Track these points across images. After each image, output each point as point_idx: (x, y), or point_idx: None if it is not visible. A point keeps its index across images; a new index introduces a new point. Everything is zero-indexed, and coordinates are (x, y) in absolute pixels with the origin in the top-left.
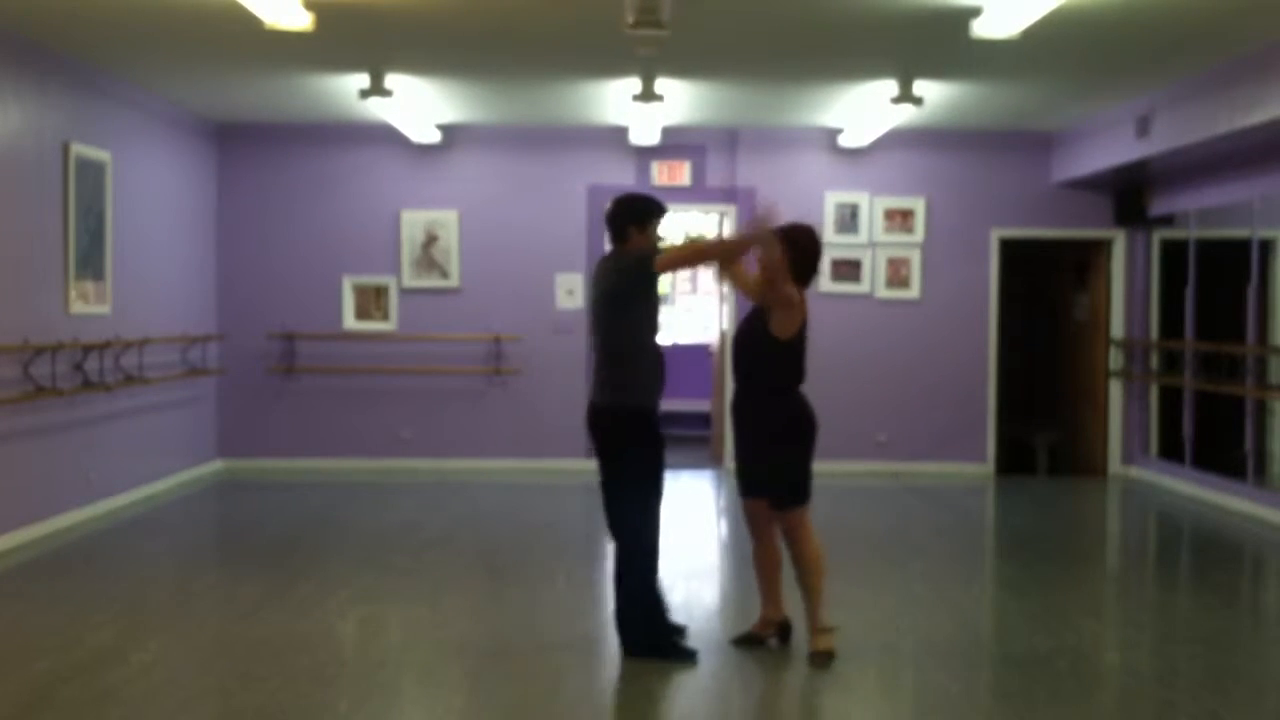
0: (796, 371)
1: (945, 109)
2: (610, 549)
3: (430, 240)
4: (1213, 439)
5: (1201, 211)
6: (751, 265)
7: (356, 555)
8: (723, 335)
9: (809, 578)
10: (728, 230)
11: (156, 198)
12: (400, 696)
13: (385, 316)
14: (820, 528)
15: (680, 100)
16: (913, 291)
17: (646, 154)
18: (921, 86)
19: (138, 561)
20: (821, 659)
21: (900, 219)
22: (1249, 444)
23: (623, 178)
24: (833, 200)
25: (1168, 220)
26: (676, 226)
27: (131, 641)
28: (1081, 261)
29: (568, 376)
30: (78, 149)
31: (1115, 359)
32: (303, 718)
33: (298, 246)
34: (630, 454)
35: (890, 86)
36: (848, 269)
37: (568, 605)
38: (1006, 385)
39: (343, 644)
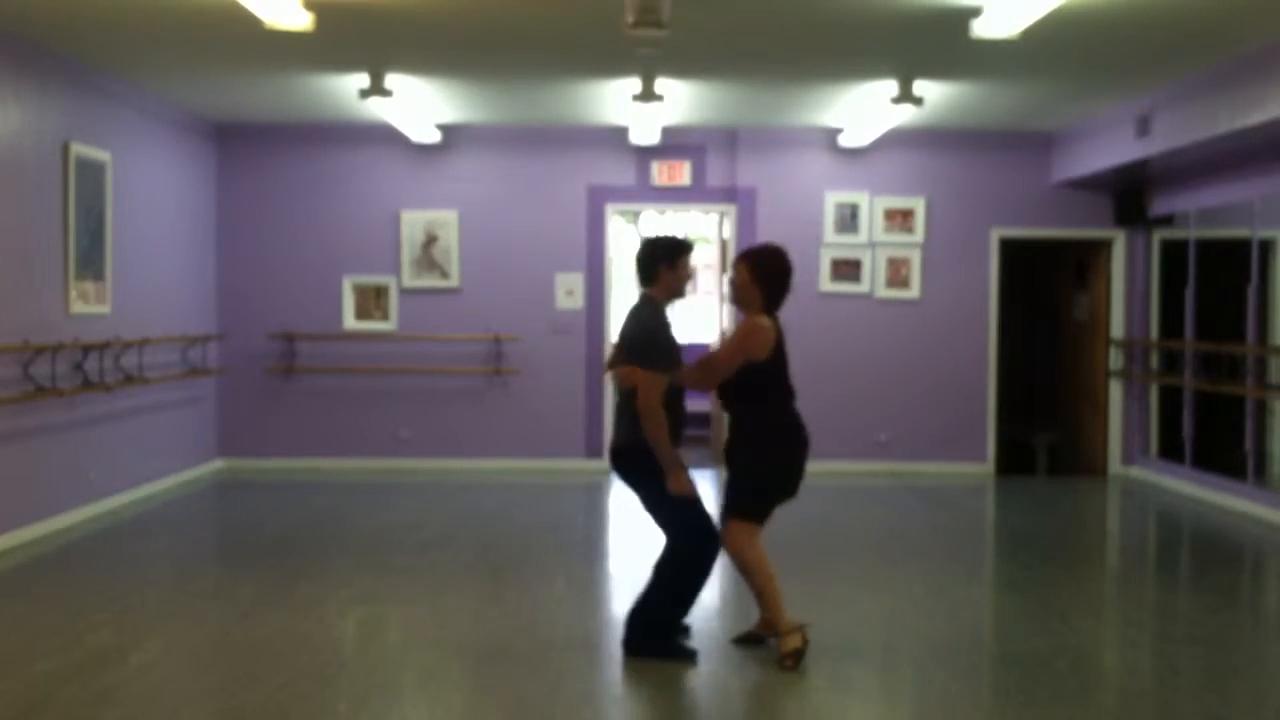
0: (777, 390)
1: (945, 109)
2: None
3: (430, 240)
4: (1213, 439)
5: (1201, 211)
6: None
7: (356, 555)
8: (722, 335)
9: (755, 579)
10: (727, 229)
11: (156, 198)
12: (400, 696)
13: (385, 316)
14: (820, 528)
15: (680, 100)
16: (913, 291)
17: (646, 154)
18: (921, 86)
19: (138, 561)
20: (791, 659)
21: (900, 219)
22: (1249, 444)
23: (623, 178)
24: (833, 200)
25: (1168, 220)
26: (676, 226)
27: (131, 641)
28: (1081, 261)
29: (568, 376)
30: (78, 149)
31: (1115, 359)
32: (303, 718)
33: (298, 246)
34: (657, 488)
35: (890, 86)
36: (848, 269)
37: (568, 605)
38: (1006, 385)
39: (343, 644)
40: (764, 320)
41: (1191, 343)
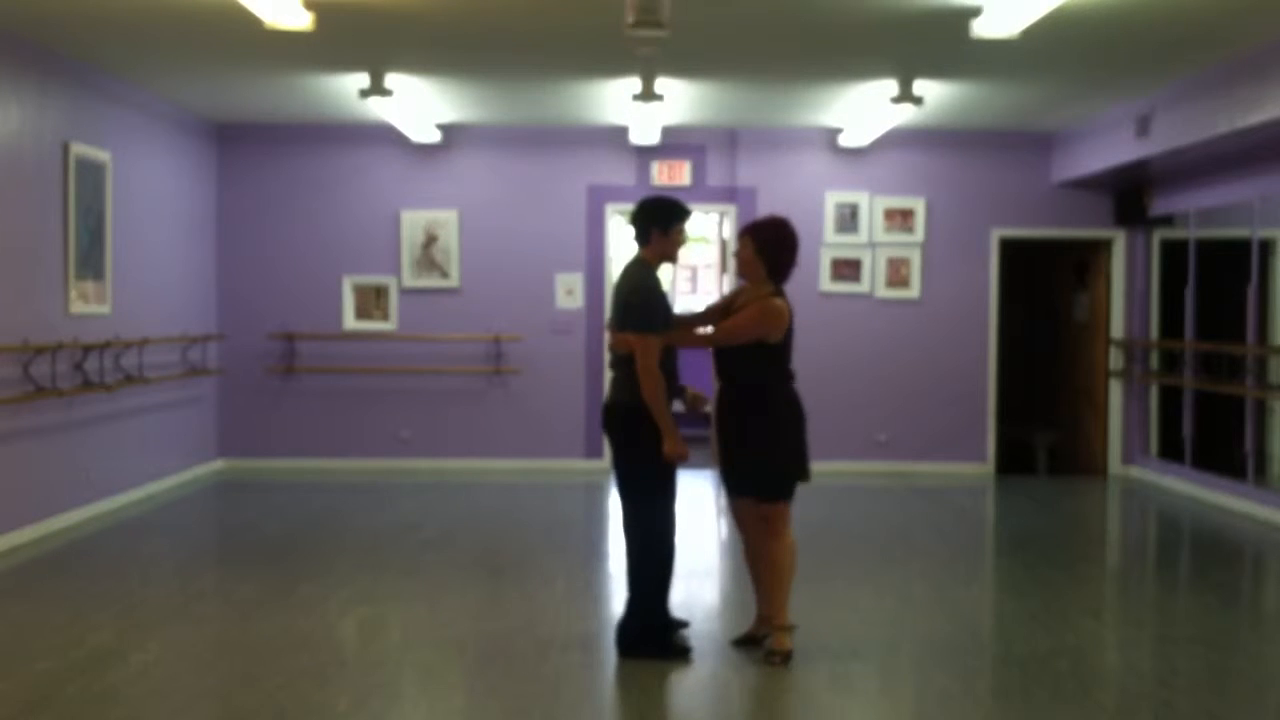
0: (780, 370)
1: (945, 109)
2: (610, 549)
3: (430, 240)
4: (1212, 439)
5: (1201, 211)
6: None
7: (356, 555)
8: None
9: (778, 568)
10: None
11: (156, 198)
12: (400, 696)
13: (385, 316)
14: (820, 528)
15: (680, 100)
16: (913, 291)
17: (646, 154)
18: (921, 86)
19: (138, 561)
20: (780, 658)
21: (900, 219)
22: (1249, 444)
23: (623, 178)
24: (833, 200)
25: (1168, 220)
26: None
27: (131, 641)
28: (1081, 261)
29: (568, 376)
30: (78, 149)
31: (1115, 359)
32: (303, 718)
33: (298, 246)
34: (640, 451)
35: (890, 86)
36: (848, 269)
37: (568, 605)
38: (1006, 385)
39: (343, 644)
40: (780, 303)
41: (1191, 343)
